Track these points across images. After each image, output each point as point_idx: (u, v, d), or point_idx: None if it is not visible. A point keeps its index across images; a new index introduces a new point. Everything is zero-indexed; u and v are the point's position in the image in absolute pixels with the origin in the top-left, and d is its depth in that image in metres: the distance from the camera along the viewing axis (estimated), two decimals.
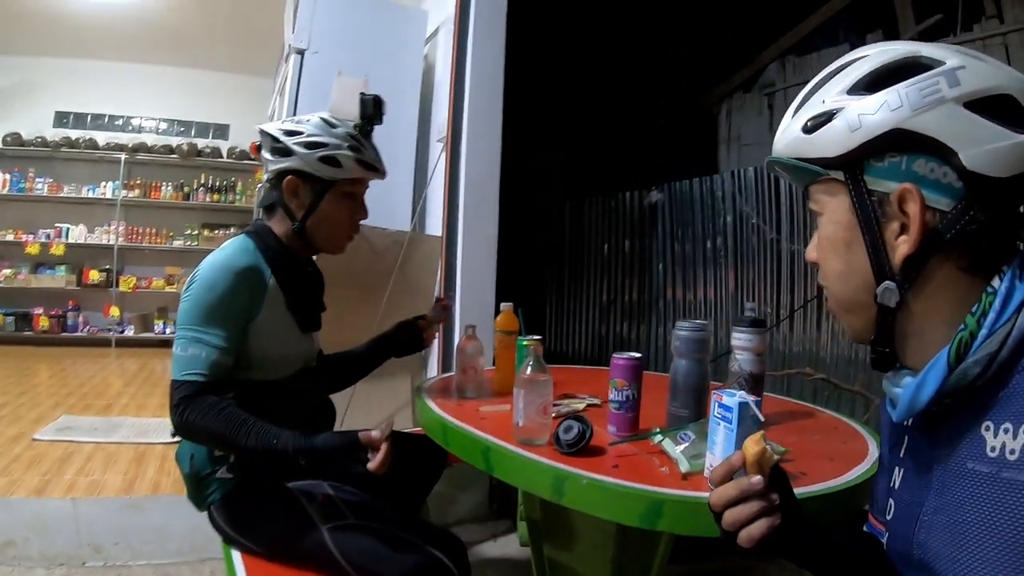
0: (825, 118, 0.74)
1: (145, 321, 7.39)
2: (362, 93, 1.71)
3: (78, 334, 7.25)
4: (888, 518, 0.83)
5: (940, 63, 0.69)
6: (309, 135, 1.53)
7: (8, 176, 7.08)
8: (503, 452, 1.33)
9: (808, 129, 0.75)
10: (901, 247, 0.71)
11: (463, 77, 3.04)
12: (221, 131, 7.82)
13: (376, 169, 1.63)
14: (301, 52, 3.17)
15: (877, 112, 0.70)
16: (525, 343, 1.69)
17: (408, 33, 3.48)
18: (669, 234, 4.25)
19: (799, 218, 3.28)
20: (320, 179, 1.55)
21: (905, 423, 0.82)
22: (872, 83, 0.72)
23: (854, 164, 0.73)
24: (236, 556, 1.54)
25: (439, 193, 3.11)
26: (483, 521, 2.71)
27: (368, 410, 2.55)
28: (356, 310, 2.81)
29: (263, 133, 1.59)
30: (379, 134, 3.21)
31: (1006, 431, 0.64)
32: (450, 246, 3.03)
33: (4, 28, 6.55)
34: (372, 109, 1.70)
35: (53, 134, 7.26)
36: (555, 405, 1.65)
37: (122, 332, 7.31)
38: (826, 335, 3.15)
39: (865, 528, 0.93)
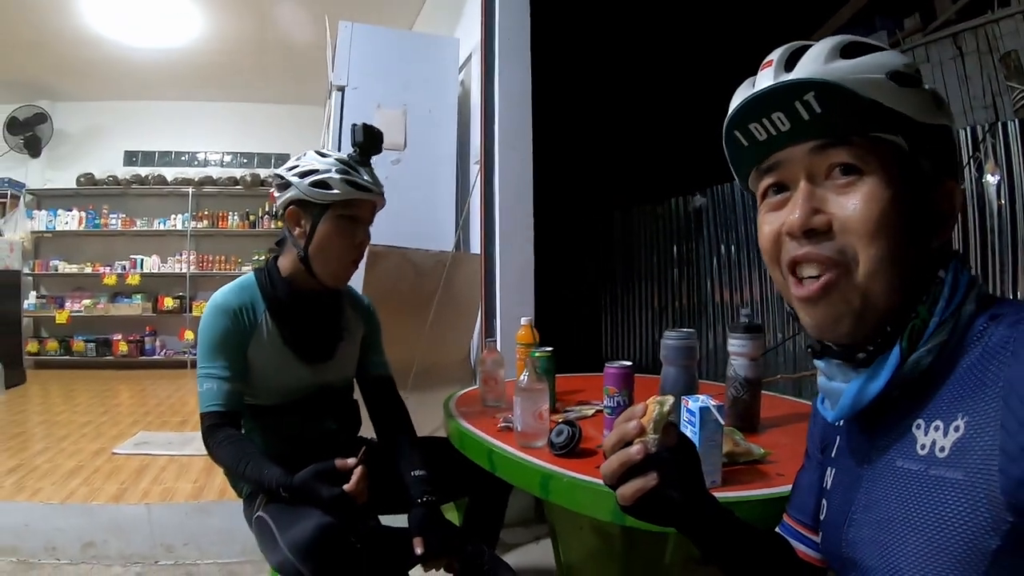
0: (914, 80, 0.69)
1: None
2: (353, 123, 1.78)
3: (155, 357, 7.60)
4: (822, 518, 0.83)
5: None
6: (304, 166, 1.66)
7: (84, 214, 7.54)
8: (502, 454, 1.47)
9: (897, 79, 0.68)
10: (936, 235, 0.71)
11: (492, 100, 3.16)
12: (282, 160, 7.89)
13: (367, 189, 1.67)
14: (341, 89, 3.34)
15: (944, 107, 0.71)
16: (536, 354, 1.81)
17: (442, 62, 3.61)
18: (715, 238, 4.25)
19: None
20: (316, 204, 1.63)
21: (837, 423, 0.81)
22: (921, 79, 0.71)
23: (923, 139, 0.69)
24: None
25: (479, 213, 3.24)
26: (528, 524, 2.80)
27: (418, 421, 2.68)
28: (404, 329, 2.95)
29: (272, 176, 1.75)
30: (422, 158, 3.41)
31: (936, 428, 0.65)
32: (488, 264, 3.15)
33: (73, 78, 6.96)
34: (362, 136, 1.73)
35: (124, 172, 7.69)
36: (567, 410, 1.81)
37: (196, 354, 7.54)
38: None
39: (778, 529, 0.94)
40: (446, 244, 3.33)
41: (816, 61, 0.69)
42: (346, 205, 1.65)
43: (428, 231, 3.36)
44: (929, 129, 0.69)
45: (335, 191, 1.62)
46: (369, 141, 1.74)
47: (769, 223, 0.76)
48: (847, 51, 0.69)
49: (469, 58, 3.62)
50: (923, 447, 0.65)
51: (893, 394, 0.70)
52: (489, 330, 3.12)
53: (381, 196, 1.71)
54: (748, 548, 0.85)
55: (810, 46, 0.72)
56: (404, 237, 3.03)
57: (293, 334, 1.70)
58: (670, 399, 0.76)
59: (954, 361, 0.66)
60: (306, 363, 1.72)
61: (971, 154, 2.74)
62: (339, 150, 3.22)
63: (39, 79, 6.97)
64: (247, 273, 1.77)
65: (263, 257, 7.66)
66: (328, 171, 1.63)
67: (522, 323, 2.02)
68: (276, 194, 1.72)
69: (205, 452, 1.64)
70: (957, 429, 0.62)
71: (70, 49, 6.17)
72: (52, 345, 7.43)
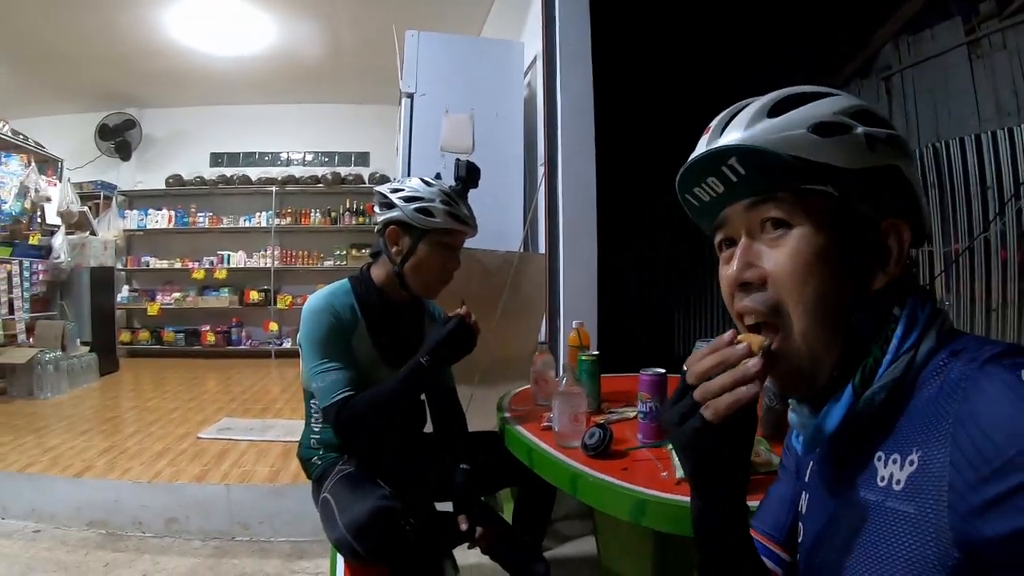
0: (841, 128, 0.69)
1: None
2: (457, 158, 1.90)
3: (241, 347, 7.94)
4: (799, 541, 0.83)
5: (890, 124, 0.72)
6: (409, 191, 1.76)
7: (173, 212, 7.97)
8: (540, 452, 1.57)
9: (820, 131, 0.69)
10: (880, 274, 0.71)
11: (555, 104, 3.21)
12: (362, 158, 8.30)
13: (466, 223, 1.79)
14: (410, 95, 3.45)
15: (888, 146, 0.70)
16: (582, 358, 1.90)
17: (508, 66, 3.68)
18: None
19: None
20: (417, 228, 1.74)
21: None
22: (862, 120, 0.71)
23: (856, 184, 0.70)
24: None
25: (543, 214, 3.30)
26: (584, 518, 2.83)
27: (483, 415, 2.75)
28: None
29: (376, 192, 1.86)
30: (489, 161, 3.47)
31: (894, 461, 0.65)
32: (552, 264, 3.21)
33: (159, 86, 7.37)
34: (465, 172, 1.84)
35: (210, 173, 8.09)
36: (611, 412, 1.88)
37: (280, 345, 7.85)
38: None
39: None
40: (513, 244, 3.39)
41: (740, 126, 0.73)
42: (444, 233, 1.77)
43: (496, 231, 3.40)
44: (864, 172, 0.70)
45: (437, 219, 1.74)
46: (471, 177, 1.86)
47: (723, 276, 0.79)
48: (776, 109, 0.72)
49: (534, 61, 3.66)
50: (882, 479, 0.66)
51: (851, 429, 0.71)
52: (552, 328, 3.18)
53: (475, 229, 1.84)
54: (743, 537, 0.81)
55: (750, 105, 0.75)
56: (472, 238, 3.07)
57: (383, 341, 1.82)
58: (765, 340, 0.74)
59: (912, 396, 0.67)
60: (388, 367, 1.81)
61: None
62: (409, 155, 3.35)
63: (127, 89, 7.40)
64: (341, 280, 1.86)
65: (344, 252, 7.94)
66: (432, 200, 1.74)
67: (573, 326, 2.10)
68: (377, 210, 1.84)
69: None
70: (912, 463, 0.63)
71: (155, 60, 6.52)
72: (144, 335, 7.88)
